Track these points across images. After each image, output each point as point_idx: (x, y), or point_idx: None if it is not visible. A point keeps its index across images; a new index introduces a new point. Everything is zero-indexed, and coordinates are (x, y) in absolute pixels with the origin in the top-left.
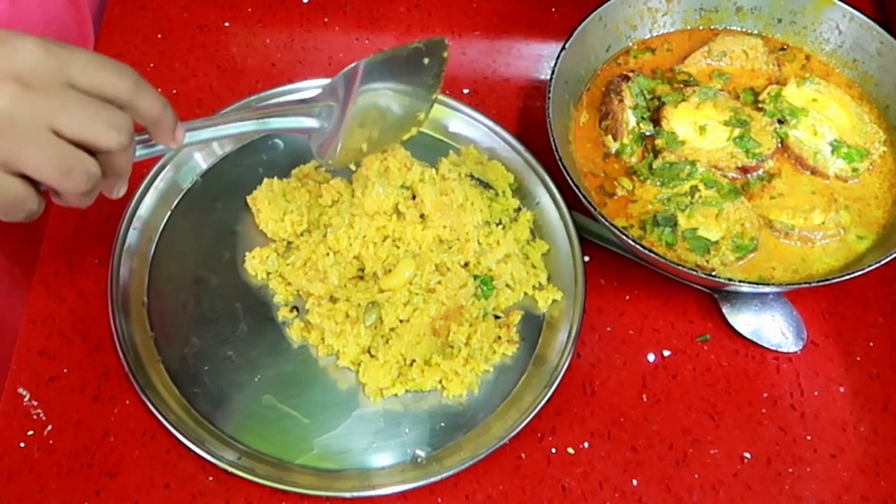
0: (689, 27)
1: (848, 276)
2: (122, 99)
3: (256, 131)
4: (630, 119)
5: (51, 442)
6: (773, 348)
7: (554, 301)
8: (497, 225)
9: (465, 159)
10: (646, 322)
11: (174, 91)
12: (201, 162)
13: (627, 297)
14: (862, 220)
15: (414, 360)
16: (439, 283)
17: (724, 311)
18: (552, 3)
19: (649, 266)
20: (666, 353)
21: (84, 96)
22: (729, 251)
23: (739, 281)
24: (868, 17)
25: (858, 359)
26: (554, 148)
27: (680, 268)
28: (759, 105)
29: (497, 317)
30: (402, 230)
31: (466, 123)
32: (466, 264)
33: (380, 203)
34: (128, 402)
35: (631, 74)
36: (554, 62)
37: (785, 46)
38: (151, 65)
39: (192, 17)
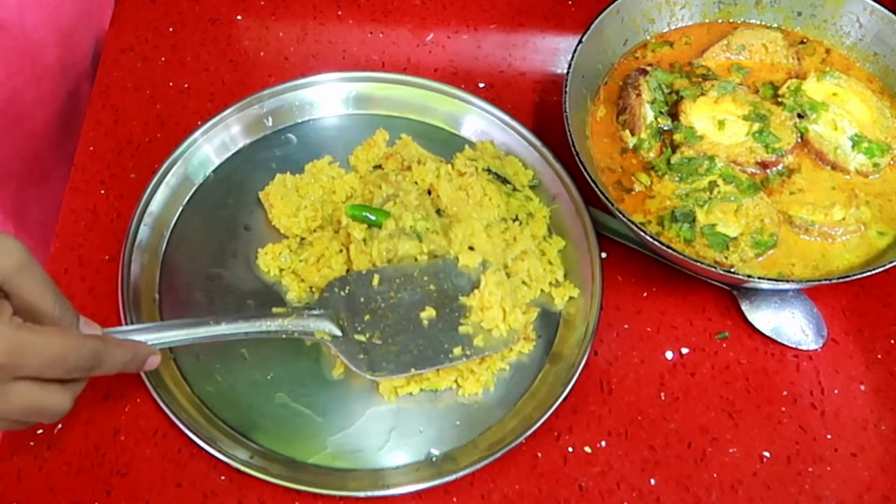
0: (707, 20)
1: (869, 273)
2: (78, 373)
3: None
4: (648, 113)
5: (61, 440)
6: (793, 346)
7: (570, 298)
8: (514, 221)
9: (481, 154)
10: (664, 319)
11: (186, 85)
12: (213, 157)
13: (645, 294)
14: (883, 216)
15: None
16: None
17: (743, 308)
18: None
19: (667, 262)
20: (684, 350)
21: (28, 389)
22: (748, 247)
23: (759, 277)
24: (889, 10)
25: (879, 356)
26: (571, 143)
27: (698, 264)
28: (779, 99)
29: None
30: None
31: (481, 118)
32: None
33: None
34: (139, 400)
35: (649, 68)
36: (571, 56)
37: (805, 40)
38: (163, 58)
39: (203, 11)
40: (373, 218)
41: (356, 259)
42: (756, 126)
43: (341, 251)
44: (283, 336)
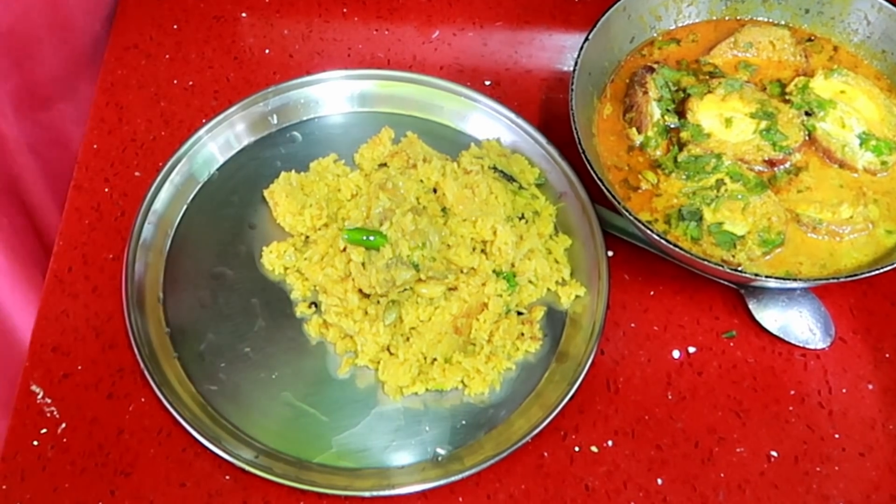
0: (714, 17)
1: (877, 272)
2: None
3: None
4: (655, 111)
5: (64, 440)
6: (801, 345)
7: (577, 297)
8: (520, 219)
9: (487, 152)
10: (671, 318)
11: (190, 83)
12: (218, 155)
13: (652, 293)
14: (891, 214)
15: (435, 359)
16: (461, 280)
17: (750, 306)
18: None
19: (674, 261)
20: (691, 349)
21: None
22: (755, 246)
23: (766, 276)
24: None
25: (888, 355)
26: (577, 141)
27: (705, 263)
28: (786, 97)
29: (520, 313)
30: None
31: (488, 116)
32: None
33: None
34: (143, 399)
35: (656, 66)
36: (577, 53)
37: (812, 37)
38: (167, 56)
39: (208, 8)
40: (371, 239)
41: (358, 279)
42: (763, 124)
43: (345, 249)
44: None
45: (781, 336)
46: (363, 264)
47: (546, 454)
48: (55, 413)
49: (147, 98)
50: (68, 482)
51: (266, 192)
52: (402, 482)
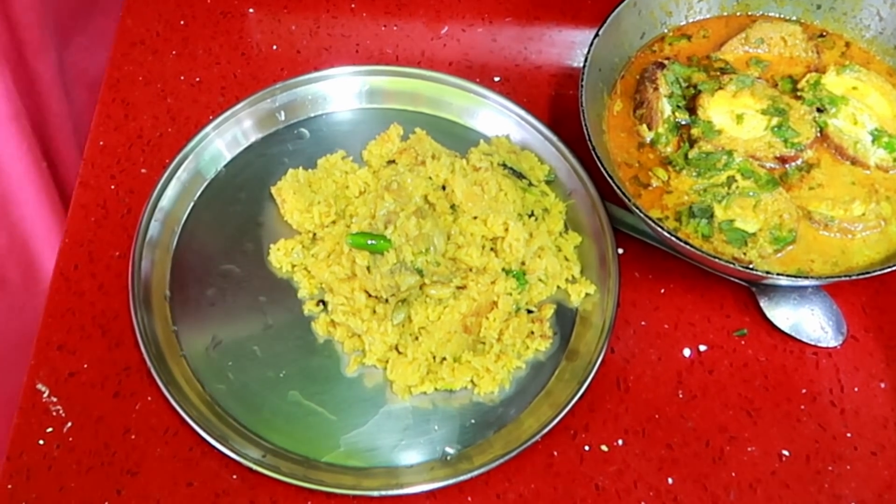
0: (725, 13)
1: (889, 269)
2: None
3: None
4: (665, 108)
5: (70, 439)
6: (812, 343)
7: (587, 294)
8: (530, 216)
9: (496, 148)
10: (681, 316)
11: (197, 79)
12: (225, 152)
13: (662, 291)
14: None
15: (444, 358)
16: (470, 278)
17: (761, 304)
18: None
19: (685, 259)
20: (702, 347)
21: None
22: (767, 243)
23: (778, 274)
24: None
25: None
26: (587, 137)
27: (716, 260)
28: (798, 93)
29: (530, 311)
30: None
31: (497, 112)
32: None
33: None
34: (149, 398)
35: (666, 62)
36: (587, 49)
37: (824, 33)
38: (174, 52)
39: (215, 4)
40: (373, 243)
41: (363, 282)
42: (775, 120)
43: (350, 249)
44: None
45: (793, 334)
46: (368, 268)
47: (556, 453)
48: (61, 412)
49: (153, 94)
50: (74, 481)
51: (273, 189)
52: (411, 481)
